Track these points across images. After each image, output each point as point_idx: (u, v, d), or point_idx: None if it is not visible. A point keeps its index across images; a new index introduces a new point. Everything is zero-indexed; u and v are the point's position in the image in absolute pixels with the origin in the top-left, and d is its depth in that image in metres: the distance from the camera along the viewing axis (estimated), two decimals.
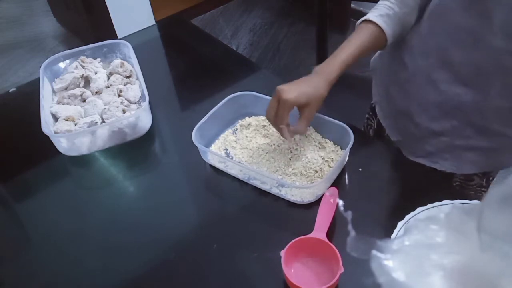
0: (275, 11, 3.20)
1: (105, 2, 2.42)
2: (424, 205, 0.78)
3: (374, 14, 0.91)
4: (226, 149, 0.99)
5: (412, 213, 0.77)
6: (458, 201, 0.79)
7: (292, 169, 0.92)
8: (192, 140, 0.92)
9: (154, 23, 1.47)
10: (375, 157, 0.93)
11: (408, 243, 0.60)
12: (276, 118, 0.87)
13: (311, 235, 0.77)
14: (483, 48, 0.81)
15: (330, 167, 0.92)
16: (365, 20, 0.91)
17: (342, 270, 0.71)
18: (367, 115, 1.19)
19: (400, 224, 0.75)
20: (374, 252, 0.58)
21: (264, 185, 0.90)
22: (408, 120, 0.98)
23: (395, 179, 0.92)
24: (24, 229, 0.93)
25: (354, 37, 0.92)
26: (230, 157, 0.97)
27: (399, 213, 0.77)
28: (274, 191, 0.89)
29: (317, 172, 0.91)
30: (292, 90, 0.85)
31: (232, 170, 0.94)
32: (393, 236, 0.74)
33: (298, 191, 0.87)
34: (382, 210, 0.80)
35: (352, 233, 0.62)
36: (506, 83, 0.83)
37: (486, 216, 0.57)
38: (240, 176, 0.93)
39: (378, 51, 1.09)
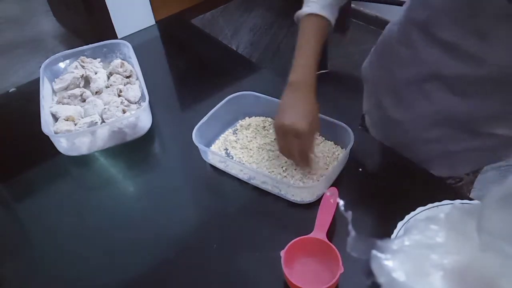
0: (275, 11, 3.19)
1: (105, 2, 2.42)
2: (424, 205, 0.78)
3: (317, 7, 0.90)
4: (226, 149, 0.99)
5: (412, 213, 0.77)
6: (458, 201, 0.79)
7: (293, 169, 0.92)
8: (192, 140, 0.92)
9: (154, 23, 1.46)
10: (375, 157, 0.93)
11: (408, 243, 0.60)
12: (303, 154, 0.86)
13: (311, 235, 0.77)
14: (478, 63, 0.80)
15: (330, 167, 0.92)
16: (310, 14, 0.91)
17: (342, 270, 0.71)
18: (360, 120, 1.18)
19: (400, 224, 0.75)
20: (374, 252, 0.58)
21: (264, 184, 0.90)
22: (399, 129, 0.98)
23: (395, 179, 0.92)
24: (24, 229, 0.93)
25: (309, 35, 0.91)
26: (230, 157, 0.97)
27: (399, 213, 0.77)
28: (274, 191, 0.89)
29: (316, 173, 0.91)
30: (299, 119, 0.83)
31: (233, 170, 0.94)
32: (393, 236, 0.74)
33: (298, 191, 0.87)
34: (382, 210, 0.80)
35: (352, 233, 0.62)
36: (502, 91, 0.83)
37: (486, 216, 0.57)
38: (240, 176, 0.93)
39: (368, 60, 1.08)
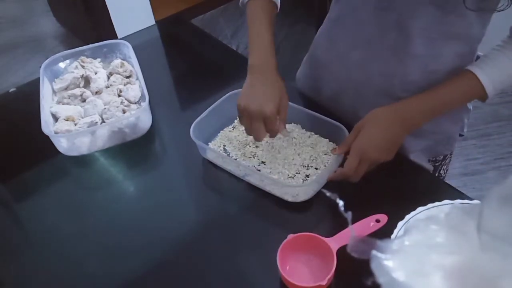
0: None
1: (105, 2, 2.42)
2: (424, 205, 0.78)
3: None
4: (225, 146, 1.00)
5: (412, 213, 0.77)
6: (458, 201, 0.79)
7: (287, 167, 0.93)
8: (192, 140, 0.92)
9: (154, 23, 1.46)
10: None
11: (408, 243, 0.60)
12: (273, 133, 0.86)
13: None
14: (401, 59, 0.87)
15: (324, 166, 0.93)
16: None
17: (335, 264, 0.72)
18: None
19: (400, 224, 0.75)
20: (374, 252, 0.58)
21: (258, 182, 0.91)
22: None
23: (395, 179, 0.92)
24: (24, 229, 0.93)
25: (260, 17, 0.90)
26: (228, 153, 0.98)
27: (399, 213, 0.77)
28: (268, 188, 0.90)
29: (308, 170, 0.93)
30: (263, 100, 0.82)
31: (229, 166, 0.94)
32: (393, 236, 0.74)
33: (291, 190, 0.88)
34: (382, 210, 0.80)
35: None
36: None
37: (486, 216, 0.57)
38: (236, 173, 0.93)
39: (300, 72, 1.13)
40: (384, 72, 0.90)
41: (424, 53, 0.85)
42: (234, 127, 1.04)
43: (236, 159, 0.96)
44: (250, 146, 0.98)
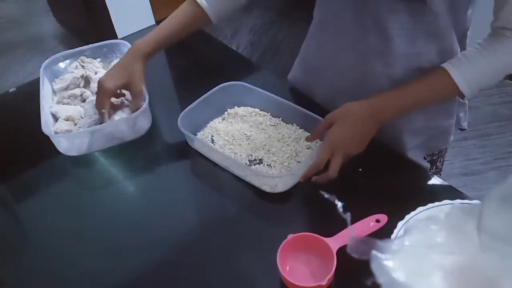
0: (275, 11, 3.19)
1: (105, 2, 2.42)
2: (424, 205, 0.78)
3: None
4: (212, 136, 1.02)
5: (412, 213, 0.77)
6: (458, 201, 0.79)
7: (268, 159, 0.95)
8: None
9: (154, 23, 1.46)
10: (375, 157, 0.93)
11: (408, 243, 0.60)
12: (97, 104, 0.97)
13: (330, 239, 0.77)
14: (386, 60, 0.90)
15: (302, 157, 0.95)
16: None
17: (335, 264, 0.72)
18: None
19: (400, 224, 0.75)
20: (374, 252, 0.58)
21: (240, 172, 0.92)
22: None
23: (395, 179, 0.92)
24: (24, 229, 0.93)
25: (176, 15, 1.02)
26: (214, 143, 1.00)
27: (399, 213, 0.77)
28: (248, 179, 0.91)
29: (291, 163, 0.94)
30: (109, 78, 0.96)
31: (214, 156, 0.96)
32: (393, 236, 0.74)
33: (269, 180, 0.89)
34: (382, 210, 0.80)
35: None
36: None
37: (486, 216, 0.57)
38: (220, 163, 0.95)
39: (293, 73, 1.14)
40: (372, 73, 0.92)
41: (406, 52, 0.87)
42: (223, 119, 1.06)
43: (218, 150, 0.97)
44: (233, 137, 1.01)
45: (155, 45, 0.99)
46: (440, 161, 1.11)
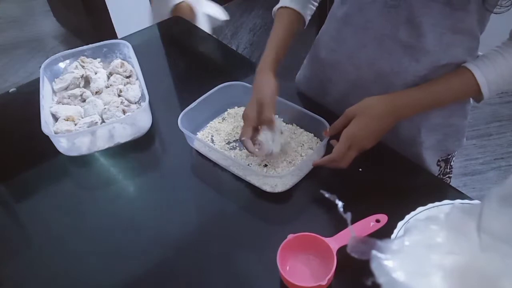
0: None
1: (105, 2, 2.43)
2: (424, 205, 0.78)
3: (287, 0, 1.00)
4: (212, 136, 1.02)
5: (412, 213, 0.77)
6: (458, 201, 0.79)
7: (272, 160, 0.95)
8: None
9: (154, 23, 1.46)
10: (375, 157, 0.93)
11: (408, 243, 0.60)
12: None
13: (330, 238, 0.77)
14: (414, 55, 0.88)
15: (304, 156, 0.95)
16: (281, 7, 1.00)
17: (335, 264, 0.71)
18: None
19: (400, 224, 0.75)
20: (374, 252, 0.58)
21: (240, 172, 0.92)
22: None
23: (395, 179, 0.92)
24: (24, 229, 0.93)
25: (278, 27, 1.01)
26: (214, 143, 1.00)
27: (399, 213, 0.77)
28: (248, 178, 0.91)
29: (290, 162, 0.94)
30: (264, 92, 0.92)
31: (213, 156, 0.96)
32: (393, 236, 0.74)
33: (269, 180, 0.89)
34: (382, 210, 0.80)
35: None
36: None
37: (486, 216, 0.57)
38: (219, 162, 0.95)
39: (302, 73, 1.14)
40: (396, 69, 0.90)
41: (435, 48, 0.86)
42: (223, 119, 1.06)
43: (219, 149, 0.97)
44: (232, 136, 1.01)
45: (276, 60, 0.99)
46: (449, 166, 1.10)
